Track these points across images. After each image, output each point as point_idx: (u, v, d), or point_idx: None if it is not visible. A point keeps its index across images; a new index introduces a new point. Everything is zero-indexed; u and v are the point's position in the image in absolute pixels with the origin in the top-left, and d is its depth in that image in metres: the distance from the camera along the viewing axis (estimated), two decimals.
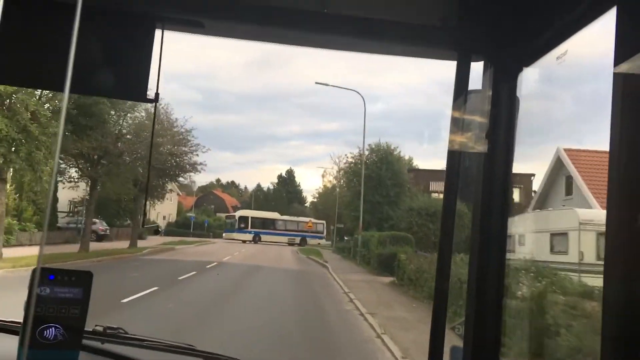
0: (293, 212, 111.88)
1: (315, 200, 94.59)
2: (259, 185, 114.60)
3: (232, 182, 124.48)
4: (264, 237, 64.38)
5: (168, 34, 1.70)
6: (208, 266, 26.65)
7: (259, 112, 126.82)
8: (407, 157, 49.36)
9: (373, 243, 31.28)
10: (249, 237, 63.19)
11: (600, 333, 1.10)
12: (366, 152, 43.49)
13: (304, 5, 1.75)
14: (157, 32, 1.67)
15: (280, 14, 1.72)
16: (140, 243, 43.03)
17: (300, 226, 67.73)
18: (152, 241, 50.79)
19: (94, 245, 33.23)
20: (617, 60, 1.12)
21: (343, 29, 1.77)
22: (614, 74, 1.13)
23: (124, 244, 38.74)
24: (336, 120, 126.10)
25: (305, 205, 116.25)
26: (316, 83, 39.70)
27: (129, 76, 1.67)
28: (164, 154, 36.49)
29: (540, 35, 1.58)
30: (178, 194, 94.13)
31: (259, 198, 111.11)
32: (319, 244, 65.36)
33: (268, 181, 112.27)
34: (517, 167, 1.76)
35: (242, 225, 64.26)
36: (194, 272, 22.61)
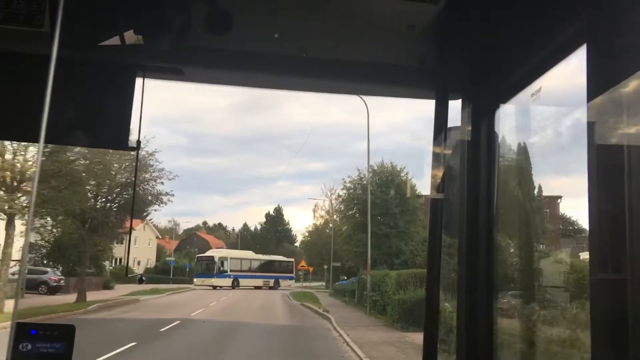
0: (282, 252, 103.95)
1: (305, 239, 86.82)
2: (245, 225, 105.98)
3: (219, 224, 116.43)
4: (242, 281, 54.39)
5: (152, 80, 1.73)
6: (164, 329, 18.32)
7: (246, 154, 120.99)
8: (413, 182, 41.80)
9: (389, 285, 23.51)
10: (227, 282, 52.42)
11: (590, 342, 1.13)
12: (368, 175, 36.10)
13: (284, 51, 1.75)
14: (138, 81, 1.66)
15: (260, 60, 1.73)
16: (103, 294, 35.21)
17: (274, 266, 58.54)
18: (121, 290, 42.88)
19: (31, 301, 25.39)
20: (590, 94, 1.14)
21: (323, 72, 1.79)
22: (588, 107, 1.14)
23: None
24: (323, 160, 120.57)
25: (295, 244, 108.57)
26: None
27: (110, 125, 1.63)
28: (119, 182, 28.91)
29: (514, 73, 1.60)
30: (158, 237, 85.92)
31: (246, 238, 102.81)
32: (290, 285, 56.44)
33: (256, 222, 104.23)
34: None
35: (222, 268, 53.23)
36: (131, 344, 14.29)
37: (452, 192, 1.82)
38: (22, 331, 1.41)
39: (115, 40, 1.66)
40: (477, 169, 1.76)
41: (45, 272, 38.66)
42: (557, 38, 1.37)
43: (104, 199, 29.35)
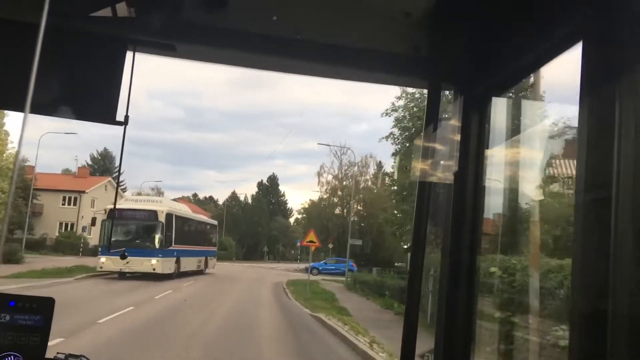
0: (276, 227, 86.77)
1: (304, 210, 69.70)
2: (234, 194, 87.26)
3: (210, 197, 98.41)
4: (183, 263, 27.94)
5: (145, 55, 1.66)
6: None
7: (243, 130, 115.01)
8: None
9: None
10: (170, 265, 25.91)
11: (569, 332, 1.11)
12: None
13: (277, 32, 1.70)
14: (129, 55, 1.62)
15: (254, 40, 1.68)
16: None
17: (204, 234, 34.20)
18: (33, 265, 25.93)
19: None
20: (583, 93, 1.12)
21: (316, 55, 1.74)
22: (580, 106, 1.12)
23: None
24: (320, 140, 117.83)
25: (289, 220, 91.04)
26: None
27: (99, 98, 1.60)
28: None
29: (508, 67, 1.57)
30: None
31: (234, 210, 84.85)
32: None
33: (249, 195, 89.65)
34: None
35: (168, 238, 25.90)
36: None
37: (439, 184, 1.77)
38: (1, 302, 1.38)
39: (106, 12, 1.59)
40: (467, 159, 1.71)
41: None
42: (553, 34, 1.33)
43: None
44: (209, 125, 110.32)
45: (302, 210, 74.07)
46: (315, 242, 24.69)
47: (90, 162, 77.31)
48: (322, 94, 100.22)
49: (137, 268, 24.38)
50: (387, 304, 19.39)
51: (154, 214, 25.90)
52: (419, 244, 1.70)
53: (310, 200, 66.48)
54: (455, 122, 1.75)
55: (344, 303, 19.75)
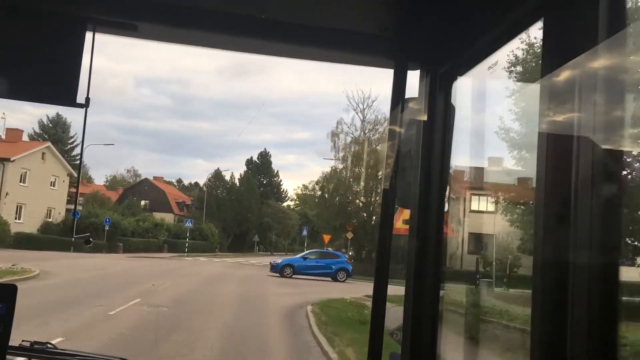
0: (269, 213, 70.46)
1: (303, 192, 54.01)
2: (217, 172, 70.48)
3: (196, 183, 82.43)
4: None
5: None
6: None
7: (232, 119, 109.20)
8: None
9: None
10: None
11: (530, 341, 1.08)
12: None
13: (240, 10, 1.66)
14: (89, 35, 1.55)
15: (216, 18, 1.63)
16: None
17: None
18: None
19: None
20: (545, 70, 1.11)
21: (281, 35, 1.70)
22: (541, 82, 1.11)
23: None
24: (308, 130, 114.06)
25: (283, 204, 74.93)
26: None
27: (57, 79, 1.53)
28: None
29: (473, 46, 1.55)
30: (71, 176, 49.97)
31: (217, 192, 68.39)
32: None
33: (237, 178, 74.55)
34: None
35: None
36: None
37: (406, 164, 1.75)
38: None
39: None
40: (433, 139, 1.70)
41: None
42: (515, 11, 1.31)
43: None
44: (197, 114, 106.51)
45: (295, 197, 58.38)
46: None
47: (38, 131, 60.84)
48: (313, 85, 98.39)
49: None
50: None
51: None
52: (386, 224, 1.67)
53: (306, 184, 50.65)
54: (420, 102, 1.71)
55: None
